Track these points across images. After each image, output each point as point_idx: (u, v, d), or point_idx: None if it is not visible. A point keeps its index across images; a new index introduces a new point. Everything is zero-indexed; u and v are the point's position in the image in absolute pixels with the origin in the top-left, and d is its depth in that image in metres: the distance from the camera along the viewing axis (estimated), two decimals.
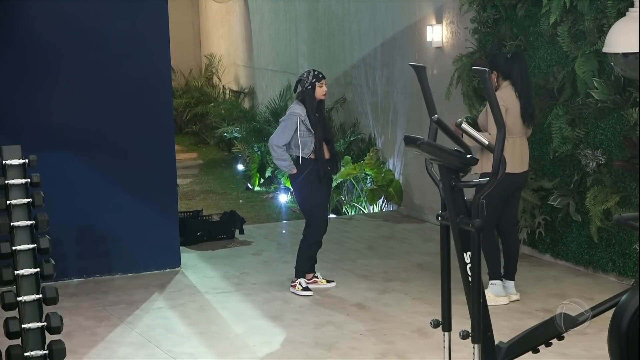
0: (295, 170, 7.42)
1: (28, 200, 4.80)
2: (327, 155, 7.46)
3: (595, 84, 7.30)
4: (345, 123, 11.91)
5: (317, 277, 7.65)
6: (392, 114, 10.76)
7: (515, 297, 7.11)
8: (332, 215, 10.71)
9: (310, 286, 7.53)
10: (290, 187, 7.87)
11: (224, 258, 8.69)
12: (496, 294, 7.00)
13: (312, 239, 7.53)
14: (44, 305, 4.72)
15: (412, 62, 4.77)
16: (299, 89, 7.46)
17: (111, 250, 8.03)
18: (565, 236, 7.97)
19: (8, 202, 4.77)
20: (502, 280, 7.07)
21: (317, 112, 7.44)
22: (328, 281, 7.68)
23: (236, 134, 13.91)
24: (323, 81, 7.41)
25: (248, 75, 16.10)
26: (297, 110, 7.39)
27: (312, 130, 7.35)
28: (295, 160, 7.41)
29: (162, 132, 8.13)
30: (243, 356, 6.22)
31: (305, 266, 7.56)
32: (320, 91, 7.40)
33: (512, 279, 7.14)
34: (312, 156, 7.37)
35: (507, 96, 6.84)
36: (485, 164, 6.43)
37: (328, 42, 12.33)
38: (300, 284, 7.49)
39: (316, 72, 7.42)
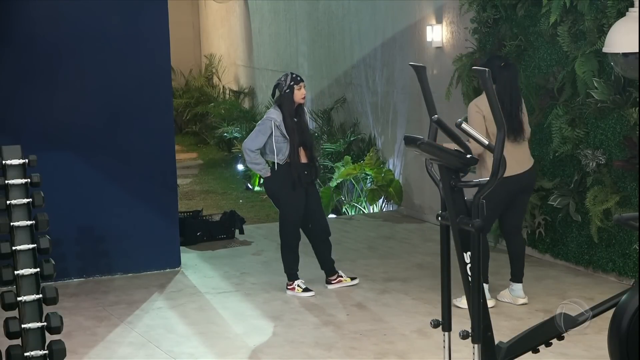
0: (269, 174, 7.38)
1: (28, 200, 4.80)
2: (304, 160, 7.39)
3: (595, 84, 7.30)
4: (345, 123, 11.91)
5: (341, 277, 7.62)
6: (392, 114, 10.76)
7: (522, 300, 7.02)
8: (332, 216, 10.72)
9: (334, 287, 7.51)
10: (264, 189, 7.87)
11: (224, 258, 8.69)
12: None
13: (288, 242, 7.48)
14: (44, 305, 4.71)
15: (412, 62, 4.77)
16: (277, 93, 7.39)
17: (111, 250, 8.03)
18: (565, 236, 7.97)
19: (8, 202, 4.77)
20: (487, 283, 6.91)
21: (296, 117, 7.37)
22: (352, 278, 7.65)
23: (236, 134, 13.92)
24: (302, 84, 7.33)
25: (248, 75, 16.11)
26: (272, 115, 7.34)
27: (287, 137, 7.30)
28: (272, 166, 7.36)
29: (162, 132, 8.13)
30: (243, 356, 6.22)
31: (293, 268, 7.52)
32: (299, 94, 7.32)
33: (519, 281, 7.04)
34: (288, 161, 7.33)
35: (485, 104, 6.55)
36: (484, 171, 6.41)
37: (328, 42, 12.33)
38: (299, 285, 7.48)
39: (294, 75, 7.35)
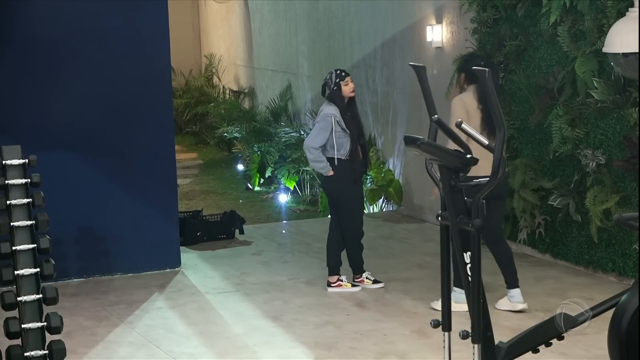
0: (331, 173, 7.33)
1: (28, 200, 4.80)
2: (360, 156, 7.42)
3: (595, 84, 7.30)
4: None
5: (342, 281, 7.59)
6: (392, 114, 10.76)
7: (522, 305, 6.82)
8: None
9: (335, 290, 7.50)
10: (324, 187, 7.77)
11: (224, 258, 8.69)
12: (456, 300, 6.29)
13: (357, 236, 7.55)
14: (44, 305, 4.72)
15: (412, 62, 4.77)
16: (327, 91, 7.37)
17: (111, 250, 8.03)
18: (565, 236, 7.97)
19: (8, 202, 4.77)
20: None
21: (349, 111, 7.37)
22: (353, 285, 7.61)
23: (236, 134, 13.92)
24: (347, 78, 7.30)
25: (248, 75, 16.11)
26: (331, 111, 7.30)
27: (347, 131, 7.28)
28: (330, 161, 7.32)
29: (162, 132, 8.13)
30: (243, 356, 6.22)
31: (360, 261, 7.56)
32: (347, 89, 7.30)
33: (516, 286, 6.84)
34: (349, 157, 7.31)
35: (469, 99, 6.71)
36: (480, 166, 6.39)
37: (328, 42, 12.33)
38: (367, 278, 7.54)
39: (338, 72, 7.33)
